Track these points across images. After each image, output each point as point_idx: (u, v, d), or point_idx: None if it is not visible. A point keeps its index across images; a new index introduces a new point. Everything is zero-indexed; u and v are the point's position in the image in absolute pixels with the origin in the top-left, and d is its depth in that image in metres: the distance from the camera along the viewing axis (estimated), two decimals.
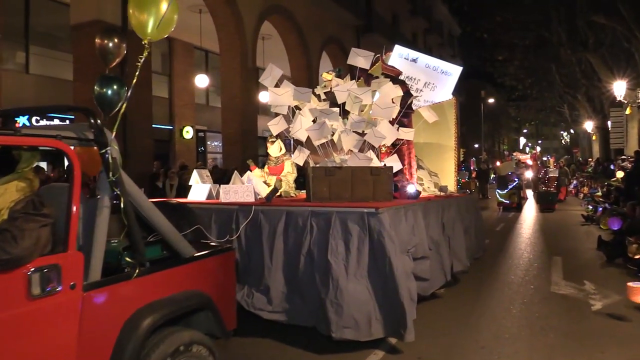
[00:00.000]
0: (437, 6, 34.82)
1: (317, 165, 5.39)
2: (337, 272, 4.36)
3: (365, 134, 5.34)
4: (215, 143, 21.57)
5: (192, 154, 20.60)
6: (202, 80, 17.99)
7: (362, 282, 4.40)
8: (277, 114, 5.44)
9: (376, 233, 4.40)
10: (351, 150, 5.28)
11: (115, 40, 3.86)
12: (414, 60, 8.76)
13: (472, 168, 27.90)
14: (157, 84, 19.99)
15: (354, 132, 5.22)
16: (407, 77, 8.76)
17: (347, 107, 5.23)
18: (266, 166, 6.98)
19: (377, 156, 5.70)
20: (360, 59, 5.44)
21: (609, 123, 23.18)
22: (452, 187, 8.66)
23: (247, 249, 4.89)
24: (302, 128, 5.13)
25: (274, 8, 18.11)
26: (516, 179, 17.93)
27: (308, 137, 5.39)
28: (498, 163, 24.48)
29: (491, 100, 48.36)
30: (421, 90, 8.81)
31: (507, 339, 4.99)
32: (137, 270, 2.81)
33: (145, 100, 13.19)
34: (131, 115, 12.36)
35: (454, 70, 8.78)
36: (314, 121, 5.31)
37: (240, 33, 16.67)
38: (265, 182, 6.90)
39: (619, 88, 19.44)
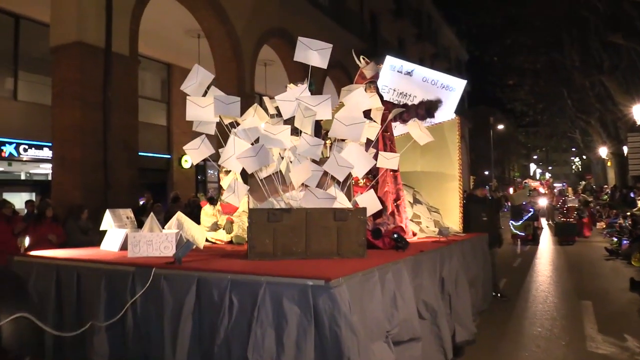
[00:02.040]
0: (443, 31, 33.24)
1: (258, 207, 3.65)
2: None
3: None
4: (216, 172, 19.97)
5: (191, 184, 19.03)
6: None
7: None
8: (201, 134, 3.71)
9: (327, 318, 2.63)
10: (305, 186, 3.53)
11: None
12: (409, 73, 7.04)
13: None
14: (155, 111, 18.61)
15: (309, 159, 3.48)
16: (400, 94, 7.04)
17: (296, 124, 3.48)
18: (219, 202, 5.27)
19: (349, 191, 3.93)
20: (312, 54, 3.62)
21: (626, 148, 21.11)
22: (456, 224, 6.83)
23: (142, 333, 3.13)
24: (234, 154, 3.42)
25: (273, 31, 16.64)
26: (531, 209, 15.79)
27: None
28: (511, 191, 22.37)
29: (501, 127, 46.25)
30: None
31: None
32: None
33: (130, 127, 11.67)
34: (114, 144, 10.84)
35: (457, 84, 7.04)
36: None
37: (237, 57, 15.18)
38: (216, 224, 5.17)
39: (639, 112, 17.45)
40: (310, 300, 2.65)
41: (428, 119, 7.01)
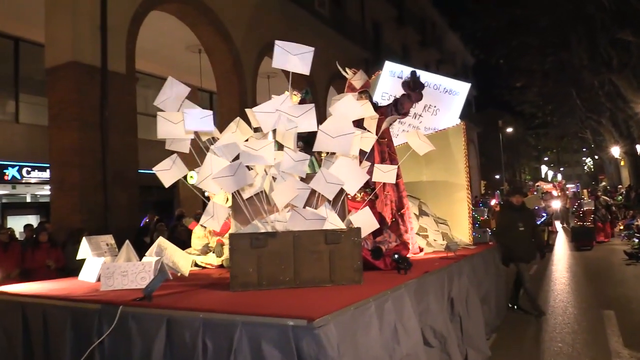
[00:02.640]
0: (448, 36, 32.77)
1: (240, 231, 3.26)
2: None
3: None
4: None
5: (198, 201, 18.68)
6: None
7: None
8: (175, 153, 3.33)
9: None
10: (291, 206, 3.14)
11: None
12: None
13: (497, 202, 25.02)
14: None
15: (295, 177, 3.09)
16: None
17: (277, 138, 3.09)
18: None
19: (343, 209, 3.53)
20: (292, 59, 3.21)
21: (639, 147, 20.48)
22: (466, 236, 6.39)
23: None
24: (212, 174, 3.04)
25: (270, 46, 16.33)
26: (544, 214, 15.09)
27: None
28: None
29: (510, 130, 45.52)
30: (420, 116, 6.69)
31: None
32: None
33: (129, 146, 11.38)
34: (112, 164, 10.56)
35: (461, 88, 6.64)
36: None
37: (237, 70, 14.92)
38: (207, 247, 4.79)
39: None
40: (292, 344, 2.26)
41: (431, 126, 6.67)
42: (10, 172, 13.85)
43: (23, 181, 14.05)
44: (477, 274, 5.17)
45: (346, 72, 5.33)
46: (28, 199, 15.71)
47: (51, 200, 10.80)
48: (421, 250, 5.35)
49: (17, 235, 10.52)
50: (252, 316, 2.38)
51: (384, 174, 3.60)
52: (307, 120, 3.06)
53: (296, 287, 3.09)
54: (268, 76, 17.32)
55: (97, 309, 2.87)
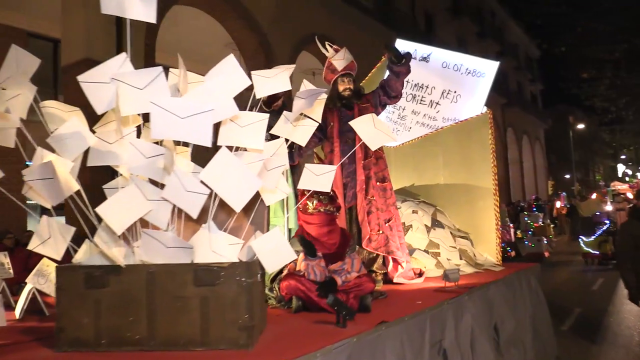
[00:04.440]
0: (509, 27, 30.19)
1: (72, 263, 2.17)
2: None
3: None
4: None
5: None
6: None
7: None
8: None
9: None
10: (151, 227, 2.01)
11: None
12: (425, 59, 5.32)
13: (562, 204, 22.48)
14: None
15: (146, 181, 1.98)
16: (415, 86, 5.35)
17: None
18: None
19: (262, 226, 2.36)
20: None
21: None
22: (493, 254, 4.99)
23: None
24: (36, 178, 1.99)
25: (311, 37, 15.28)
26: (606, 221, 12.53)
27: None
28: (594, 197, 19.04)
29: (581, 126, 41.71)
30: (437, 104, 5.34)
31: None
32: None
33: None
34: None
35: (487, 68, 5.22)
36: None
37: (269, 66, 13.97)
38: None
39: None
40: None
41: (450, 116, 5.33)
42: None
43: None
44: (496, 309, 3.80)
45: (326, 48, 4.16)
46: None
47: None
48: (420, 274, 4.05)
49: None
50: None
51: (316, 177, 2.39)
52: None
53: (150, 349, 1.97)
54: (313, 73, 16.27)
55: None
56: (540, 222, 10.94)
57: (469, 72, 5.18)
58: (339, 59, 4.09)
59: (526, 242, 10.81)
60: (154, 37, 10.76)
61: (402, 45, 5.29)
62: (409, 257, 4.02)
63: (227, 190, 1.98)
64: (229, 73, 2.03)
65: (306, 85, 2.48)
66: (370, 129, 2.53)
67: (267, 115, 2.21)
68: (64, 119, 2.28)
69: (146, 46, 10.56)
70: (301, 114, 2.55)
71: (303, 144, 2.60)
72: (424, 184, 5.41)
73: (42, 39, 13.62)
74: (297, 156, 3.85)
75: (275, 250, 2.18)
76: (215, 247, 2.08)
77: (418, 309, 2.86)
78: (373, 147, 2.61)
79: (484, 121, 5.02)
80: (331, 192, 3.04)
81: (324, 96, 2.47)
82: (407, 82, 5.38)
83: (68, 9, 10.10)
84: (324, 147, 4.15)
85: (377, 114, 4.22)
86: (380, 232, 3.85)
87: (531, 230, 10.75)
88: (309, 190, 2.89)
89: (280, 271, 3.09)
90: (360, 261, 3.02)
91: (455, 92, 5.23)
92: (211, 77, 2.03)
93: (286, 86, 2.34)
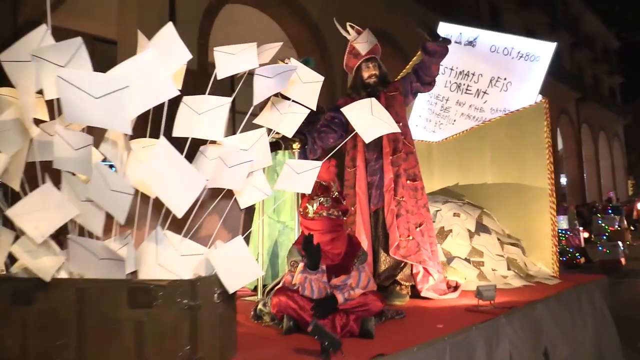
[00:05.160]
0: (584, 17, 27.87)
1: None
2: None
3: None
4: None
5: None
6: None
7: None
8: None
9: None
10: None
11: None
12: (471, 43, 4.67)
13: None
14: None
15: (79, 180, 1.62)
16: (460, 73, 4.74)
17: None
18: None
19: (237, 231, 1.94)
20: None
21: None
22: (549, 263, 4.28)
23: None
24: None
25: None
26: None
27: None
28: None
29: None
30: (485, 93, 4.68)
31: None
32: None
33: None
34: None
35: (542, 51, 4.48)
36: None
37: (325, 65, 13.62)
38: None
39: None
40: None
41: (500, 106, 4.68)
42: None
43: None
44: (546, 332, 3.16)
45: (347, 31, 3.68)
46: None
47: None
48: (456, 288, 3.47)
49: None
50: None
51: (296, 176, 1.93)
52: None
53: None
54: None
55: None
56: (617, 226, 9.73)
57: (521, 56, 4.48)
58: (362, 42, 3.60)
59: (600, 248, 9.69)
60: (206, 36, 10.68)
61: (446, 28, 4.68)
62: (441, 268, 3.45)
63: (167, 191, 1.57)
64: (166, 46, 1.62)
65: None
66: (364, 116, 2.04)
67: (230, 99, 1.79)
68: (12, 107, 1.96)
69: (200, 45, 10.49)
70: (289, 99, 2.10)
71: (290, 135, 2.14)
72: (469, 183, 4.77)
73: (108, 42, 14.00)
74: (311, 153, 3.39)
75: (237, 265, 1.74)
76: (163, 259, 1.68)
77: (437, 334, 2.33)
78: (367, 139, 2.11)
79: (538, 112, 4.32)
80: (336, 193, 2.57)
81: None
82: (451, 69, 4.79)
83: (123, 10, 10.22)
84: (347, 143, 3.67)
85: (407, 103, 3.70)
86: (411, 237, 3.32)
87: (606, 235, 9.62)
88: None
89: (278, 282, 2.66)
90: (368, 276, 2.51)
91: (505, 79, 4.56)
92: (145, 51, 1.62)
93: (253, 64, 1.90)
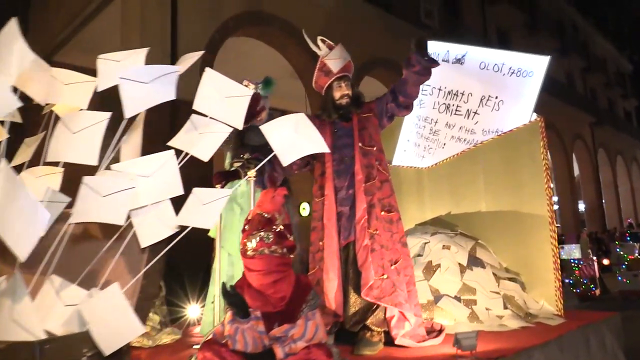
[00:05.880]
0: (595, 41, 27.31)
1: None
2: None
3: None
4: None
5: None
6: None
7: None
8: None
9: None
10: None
11: None
12: (459, 61, 4.30)
13: None
14: None
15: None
16: (449, 93, 4.37)
17: None
18: None
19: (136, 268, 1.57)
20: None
21: None
22: (551, 300, 3.78)
23: None
24: None
25: (375, 62, 14.44)
26: None
27: None
28: None
29: None
30: (475, 113, 4.28)
31: None
32: None
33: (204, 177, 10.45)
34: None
35: (535, 65, 4.09)
36: None
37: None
38: None
39: None
40: None
41: (492, 127, 4.27)
42: None
43: None
44: None
45: (317, 45, 3.36)
46: None
47: None
48: (439, 332, 3.00)
49: None
50: None
51: (200, 208, 1.55)
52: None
53: None
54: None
55: None
56: (637, 254, 9.00)
57: (512, 72, 4.09)
58: (334, 59, 3.28)
59: (619, 278, 9.00)
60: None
61: (433, 46, 4.33)
62: (420, 310, 2.99)
63: (8, 229, 1.20)
64: (6, 47, 1.28)
65: None
66: (286, 134, 1.66)
67: (108, 114, 1.44)
68: None
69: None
70: (207, 117, 1.73)
71: (206, 159, 1.78)
72: (462, 211, 4.33)
73: None
74: (269, 182, 3.01)
75: (113, 318, 1.35)
76: (18, 314, 1.30)
77: None
78: (285, 161, 1.73)
79: (533, 131, 3.89)
80: (280, 227, 2.17)
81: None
82: (439, 89, 4.41)
83: (127, 46, 10.19)
84: (314, 170, 3.29)
85: (382, 126, 3.32)
86: (385, 276, 2.88)
87: (625, 264, 8.93)
88: (247, 223, 2.06)
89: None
90: (316, 325, 2.09)
91: (496, 97, 4.16)
92: None
93: (138, 70, 1.55)
